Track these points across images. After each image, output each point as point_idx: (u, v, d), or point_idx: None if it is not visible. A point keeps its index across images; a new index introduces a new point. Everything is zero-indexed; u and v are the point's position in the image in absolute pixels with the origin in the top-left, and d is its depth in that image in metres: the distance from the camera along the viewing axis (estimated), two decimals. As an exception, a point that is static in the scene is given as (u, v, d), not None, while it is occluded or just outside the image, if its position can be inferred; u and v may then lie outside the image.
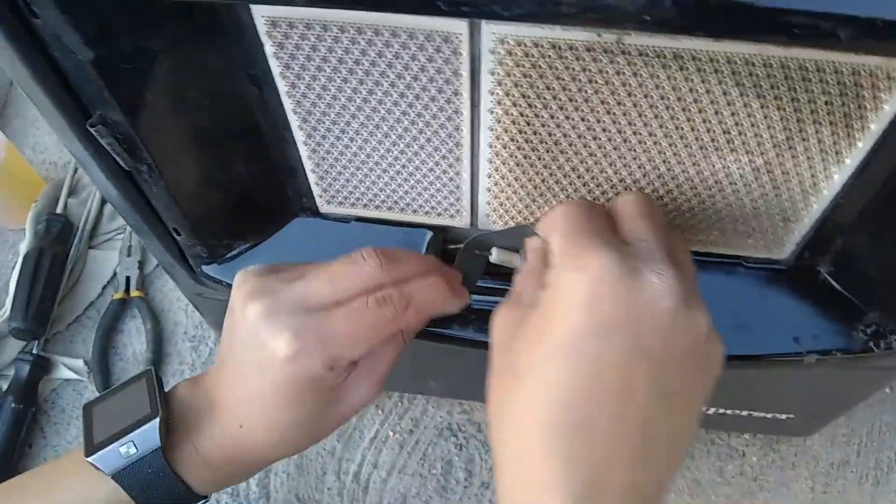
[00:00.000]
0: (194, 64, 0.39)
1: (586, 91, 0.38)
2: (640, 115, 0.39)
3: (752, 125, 0.38)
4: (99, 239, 0.90)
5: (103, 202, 0.91)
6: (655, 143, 0.40)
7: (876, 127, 0.38)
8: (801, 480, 0.76)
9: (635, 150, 0.41)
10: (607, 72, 0.36)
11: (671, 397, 0.34)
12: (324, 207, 0.50)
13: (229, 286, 0.52)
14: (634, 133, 0.40)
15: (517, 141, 0.41)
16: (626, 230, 0.38)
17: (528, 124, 0.40)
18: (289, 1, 0.34)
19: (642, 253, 0.35)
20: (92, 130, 0.39)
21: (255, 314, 0.41)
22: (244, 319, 0.42)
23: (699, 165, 0.41)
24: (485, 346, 0.51)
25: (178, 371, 0.83)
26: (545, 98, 0.38)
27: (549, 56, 0.36)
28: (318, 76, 0.39)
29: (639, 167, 0.42)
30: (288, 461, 0.76)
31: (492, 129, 0.41)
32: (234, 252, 0.52)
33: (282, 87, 0.40)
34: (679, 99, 0.37)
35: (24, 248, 0.85)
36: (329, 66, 0.39)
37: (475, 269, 0.48)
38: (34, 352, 0.81)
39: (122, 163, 0.41)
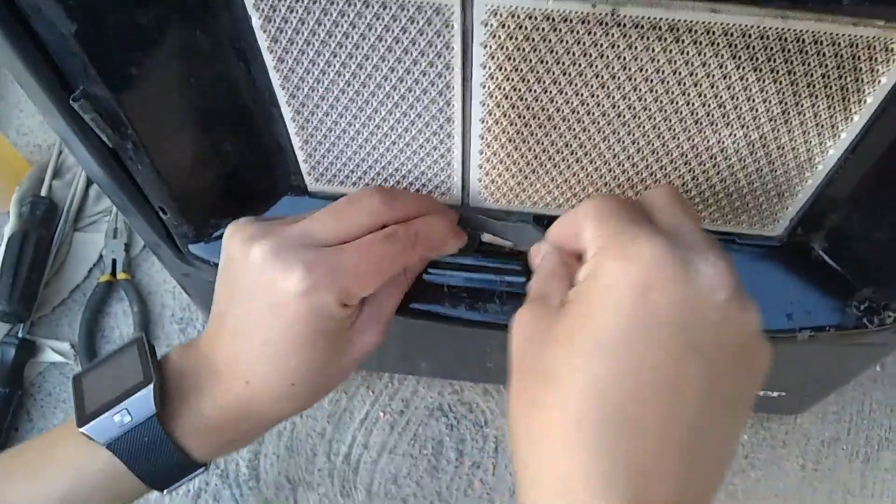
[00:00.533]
0: (181, 37, 0.38)
1: (580, 64, 0.37)
2: (634, 89, 0.38)
3: (748, 98, 0.38)
4: (84, 221, 0.89)
5: (88, 184, 0.90)
6: (650, 117, 0.40)
7: (872, 100, 0.37)
8: (792, 458, 0.76)
9: (629, 125, 0.40)
10: (601, 44, 0.36)
11: (720, 398, 0.32)
12: (312, 185, 0.49)
13: (216, 266, 0.51)
14: (629, 107, 0.39)
15: (509, 116, 0.40)
16: (664, 221, 0.35)
17: (521, 99, 0.39)
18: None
19: (689, 242, 0.33)
20: (75, 106, 0.38)
21: (260, 254, 0.40)
22: (248, 263, 0.41)
23: (693, 140, 0.41)
24: (475, 324, 0.51)
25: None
26: (538, 71, 0.38)
27: (543, 28, 0.35)
28: (307, 50, 0.39)
29: (633, 142, 0.41)
30: (278, 442, 0.76)
31: (483, 104, 0.40)
32: (221, 232, 0.51)
33: (269, 61, 0.40)
34: (674, 72, 0.37)
35: (8, 230, 0.84)
36: (317, 40, 0.38)
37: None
38: (20, 335, 0.80)
39: (106, 139, 0.40)
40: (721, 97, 0.38)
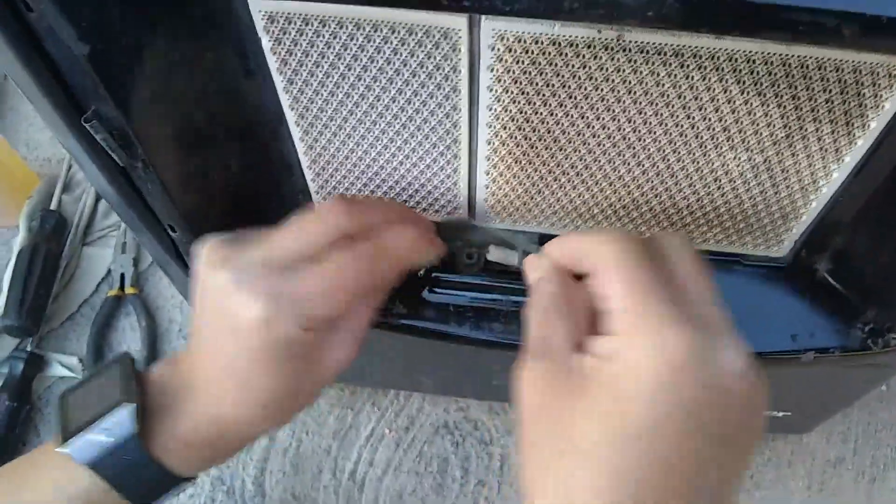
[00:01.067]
0: (190, 58, 0.39)
1: (585, 88, 0.37)
2: (639, 112, 0.38)
3: (752, 122, 0.38)
4: (93, 236, 0.89)
5: (98, 199, 0.90)
6: (654, 140, 0.40)
7: (876, 125, 0.38)
8: (798, 478, 0.76)
9: (634, 148, 0.41)
10: (607, 68, 0.36)
11: (733, 474, 0.33)
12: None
13: (225, 283, 0.52)
14: (633, 130, 0.39)
15: (515, 138, 0.41)
16: (688, 292, 0.35)
17: (527, 121, 0.40)
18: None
19: (713, 323, 0.34)
20: (87, 126, 0.38)
21: (223, 282, 0.39)
22: (213, 289, 0.40)
23: (698, 163, 0.41)
24: (481, 343, 0.51)
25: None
26: (544, 95, 0.38)
27: (549, 52, 0.36)
28: (316, 71, 0.39)
29: (638, 164, 0.42)
30: (283, 459, 0.76)
31: (490, 126, 0.41)
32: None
33: (279, 82, 0.40)
34: (679, 96, 0.37)
35: (17, 244, 0.84)
36: (326, 62, 0.38)
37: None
38: (28, 349, 0.80)
39: (116, 159, 0.41)
40: (725, 121, 0.38)
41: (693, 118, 0.38)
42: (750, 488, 0.75)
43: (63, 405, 0.44)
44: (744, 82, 0.36)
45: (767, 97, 0.37)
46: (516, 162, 0.43)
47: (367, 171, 0.46)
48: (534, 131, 0.40)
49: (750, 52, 0.34)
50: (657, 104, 0.38)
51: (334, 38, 0.37)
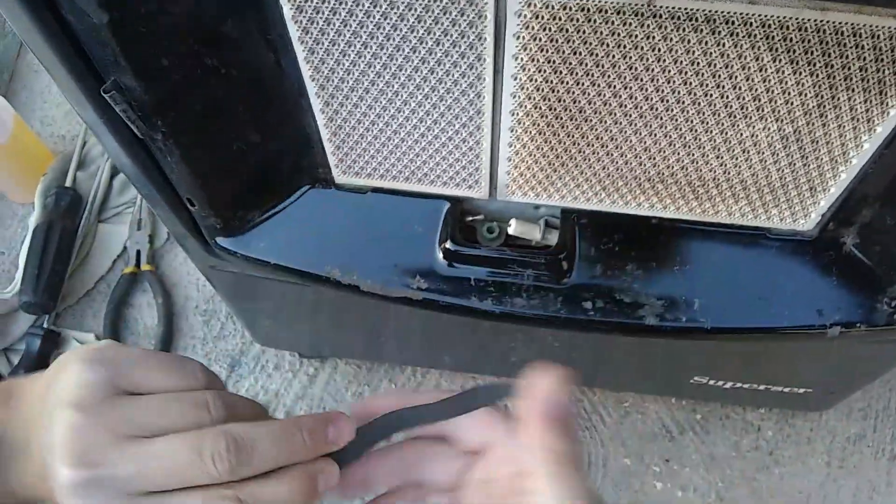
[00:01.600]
0: (211, 28, 0.38)
1: (614, 56, 0.37)
2: (668, 82, 0.38)
3: (783, 91, 0.37)
4: (108, 213, 0.89)
5: (112, 175, 0.90)
6: (682, 109, 0.39)
7: (911, 93, 0.37)
8: (817, 455, 0.76)
9: (661, 118, 0.40)
10: (636, 35, 0.35)
11: None
12: (339, 178, 0.49)
13: (243, 258, 0.51)
14: (661, 100, 0.39)
15: (540, 108, 0.40)
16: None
17: (552, 91, 0.39)
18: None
19: None
20: (106, 96, 0.38)
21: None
22: (60, 394, 0.35)
23: (726, 133, 0.40)
24: (502, 318, 0.51)
25: (189, 346, 0.82)
26: (570, 63, 0.37)
27: (577, 19, 0.35)
28: (337, 40, 0.38)
29: (664, 135, 0.41)
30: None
31: (514, 96, 0.40)
32: (248, 224, 0.51)
33: (300, 52, 0.40)
34: (709, 64, 0.36)
35: (33, 221, 0.84)
36: (348, 30, 0.38)
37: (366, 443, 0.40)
38: (45, 326, 0.80)
39: (136, 130, 0.40)
40: (756, 90, 0.37)
41: (723, 87, 0.37)
42: (769, 465, 0.75)
43: None
44: (776, 49, 0.35)
45: (800, 65, 0.36)
46: (540, 133, 0.42)
47: (387, 143, 0.45)
48: (559, 101, 0.40)
49: (784, 17, 0.33)
50: (687, 73, 0.37)
51: (357, 5, 0.36)
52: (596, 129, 0.41)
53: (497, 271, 0.50)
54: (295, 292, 0.58)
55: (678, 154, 0.42)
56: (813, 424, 0.77)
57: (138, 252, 0.86)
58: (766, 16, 0.33)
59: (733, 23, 0.34)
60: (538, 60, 0.37)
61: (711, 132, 0.40)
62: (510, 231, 0.50)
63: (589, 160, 0.44)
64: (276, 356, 0.82)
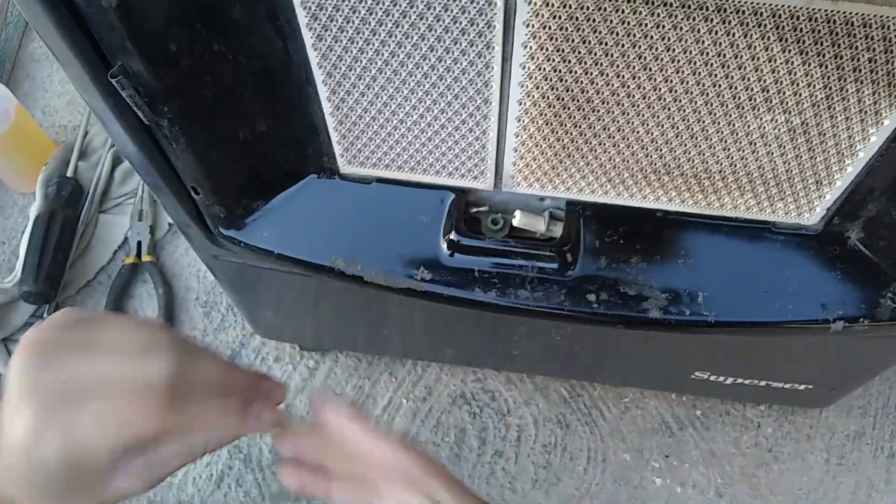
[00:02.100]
0: (219, 13, 0.38)
1: (623, 45, 0.36)
2: (677, 71, 0.37)
3: (792, 83, 0.37)
4: (109, 203, 0.89)
5: (114, 166, 0.90)
6: (691, 100, 0.39)
7: (920, 85, 0.37)
8: (817, 452, 0.76)
9: (669, 108, 0.40)
10: (646, 24, 0.35)
11: None
12: (344, 168, 0.49)
13: (246, 247, 0.51)
14: (670, 90, 0.39)
15: (548, 98, 0.40)
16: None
17: (561, 80, 0.39)
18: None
19: None
20: (113, 81, 0.38)
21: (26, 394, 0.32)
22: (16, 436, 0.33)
23: (734, 125, 0.40)
24: (506, 310, 0.51)
25: (190, 337, 0.82)
26: (579, 52, 0.37)
27: (588, 7, 0.35)
28: (346, 27, 0.38)
29: (672, 126, 0.41)
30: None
31: (522, 85, 0.40)
32: (252, 213, 0.51)
33: (308, 38, 0.39)
34: (719, 54, 0.36)
35: (34, 211, 0.84)
36: (357, 16, 0.38)
37: None
38: (45, 316, 0.80)
39: (142, 116, 0.40)
40: (765, 81, 0.37)
41: (732, 77, 0.37)
42: (769, 461, 0.75)
43: None
44: (786, 40, 0.35)
45: (809, 56, 0.36)
46: (547, 124, 0.42)
47: (394, 132, 0.45)
48: (567, 91, 0.40)
49: (794, 7, 0.33)
50: (696, 62, 0.37)
51: (366, -8, 0.36)
52: (603, 120, 0.41)
53: (501, 263, 0.50)
54: (297, 283, 0.58)
55: (685, 145, 0.42)
56: (812, 421, 0.77)
57: (139, 242, 0.85)
58: (777, 5, 0.33)
59: (744, 12, 0.34)
60: (548, 49, 0.37)
61: (719, 123, 0.40)
62: (515, 223, 0.50)
63: (595, 151, 0.44)
64: (276, 348, 0.82)
